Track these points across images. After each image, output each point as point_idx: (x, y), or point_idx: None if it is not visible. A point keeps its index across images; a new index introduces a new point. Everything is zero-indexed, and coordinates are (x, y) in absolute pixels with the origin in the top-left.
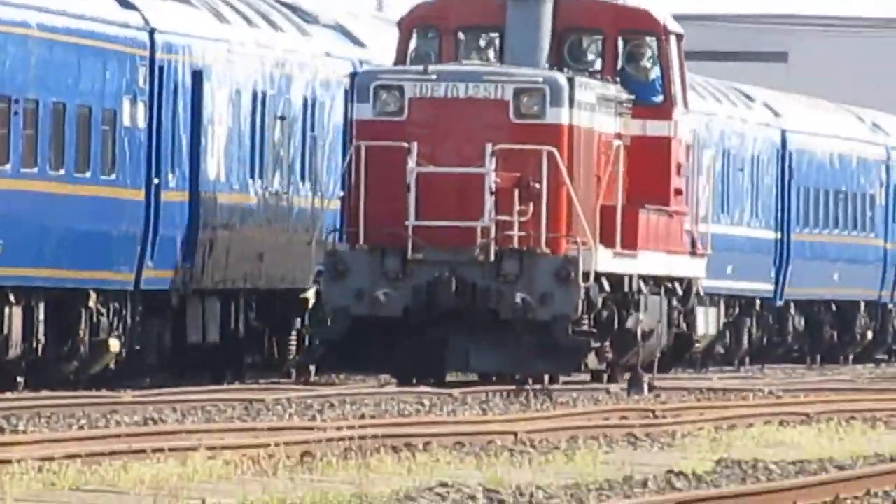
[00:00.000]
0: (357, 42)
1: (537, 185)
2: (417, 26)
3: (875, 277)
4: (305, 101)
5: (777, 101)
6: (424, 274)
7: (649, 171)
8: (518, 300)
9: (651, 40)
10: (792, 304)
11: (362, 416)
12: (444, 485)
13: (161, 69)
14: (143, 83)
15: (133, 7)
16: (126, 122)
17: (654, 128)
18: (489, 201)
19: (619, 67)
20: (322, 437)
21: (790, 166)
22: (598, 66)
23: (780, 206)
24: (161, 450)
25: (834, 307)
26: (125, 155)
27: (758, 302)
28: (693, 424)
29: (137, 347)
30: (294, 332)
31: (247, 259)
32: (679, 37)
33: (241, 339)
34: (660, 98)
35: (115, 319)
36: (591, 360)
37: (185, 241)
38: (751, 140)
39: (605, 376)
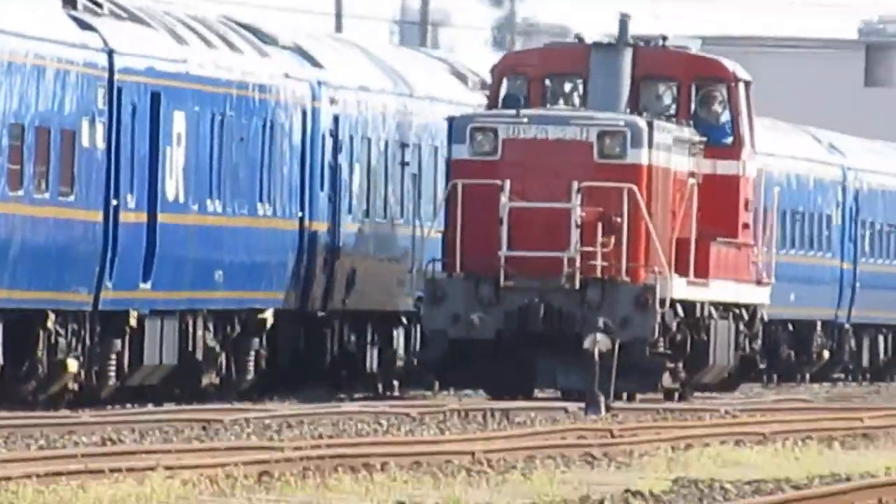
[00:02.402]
0: (315, 63)
1: (619, 220)
2: (508, 73)
3: (831, 297)
4: (264, 122)
5: None
6: (515, 300)
7: (720, 207)
8: (600, 324)
9: (722, 87)
10: None
11: (320, 437)
12: None
13: (120, 90)
14: (101, 104)
15: (92, 28)
16: (85, 142)
17: (724, 167)
18: (575, 234)
19: (692, 111)
20: (280, 457)
21: None
22: (672, 110)
23: None
24: (119, 470)
25: (791, 326)
26: (83, 175)
27: None
28: (650, 444)
29: (96, 368)
30: (252, 353)
31: (206, 280)
32: (747, 83)
33: (199, 359)
34: (730, 140)
35: (74, 340)
36: (666, 379)
37: (143, 261)
38: None
39: (677, 394)
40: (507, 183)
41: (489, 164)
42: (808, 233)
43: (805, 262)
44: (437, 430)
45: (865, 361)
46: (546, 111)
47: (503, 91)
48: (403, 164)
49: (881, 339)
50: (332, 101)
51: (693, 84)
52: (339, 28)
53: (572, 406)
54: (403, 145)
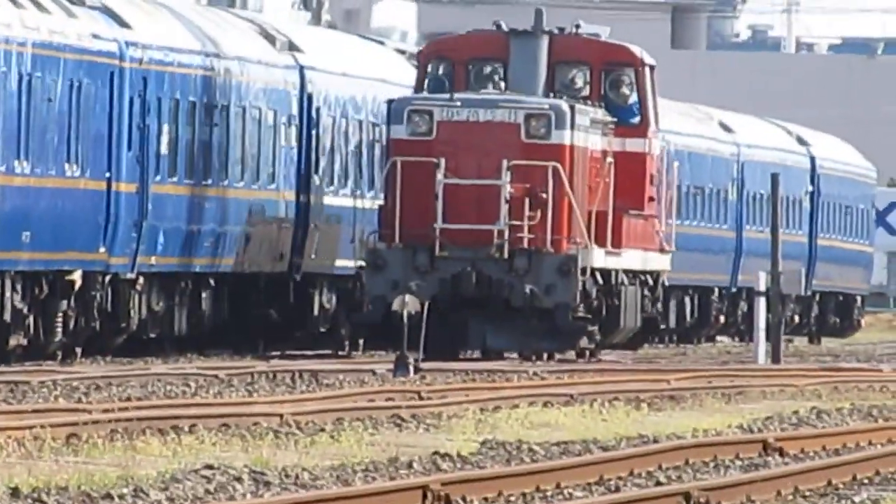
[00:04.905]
0: (123, 24)
1: (544, 195)
2: (433, 57)
3: None
4: (72, 82)
5: None
6: (449, 268)
7: (629, 182)
8: (527, 291)
9: (630, 71)
10: None
11: (128, 399)
12: (209, 467)
13: None
14: None
15: None
16: None
17: (633, 145)
18: (504, 208)
19: (602, 93)
20: (88, 419)
21: None
22: (584, 92)
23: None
24: None
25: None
26: None
27: None
28: (458, 406)
29: None
30: (60, 315)
31: (14, 241)
32: (652, 67)
33: (7, 321)
34: (637, 119)
35: None
36: (584, 340)
37: None
38: None
39: (588, 353)
40: (443, 161)
41: (425, 144)
42: None
43: None
44: (245, 391)
45: (672, 323)
46: (477, 95)
47: (429, 74)
48: (212, 125)
49: (688, 300)
50: (140, 62)
51: (603, 68)
52: None
53: (380, 368)
54: (212, 106)
